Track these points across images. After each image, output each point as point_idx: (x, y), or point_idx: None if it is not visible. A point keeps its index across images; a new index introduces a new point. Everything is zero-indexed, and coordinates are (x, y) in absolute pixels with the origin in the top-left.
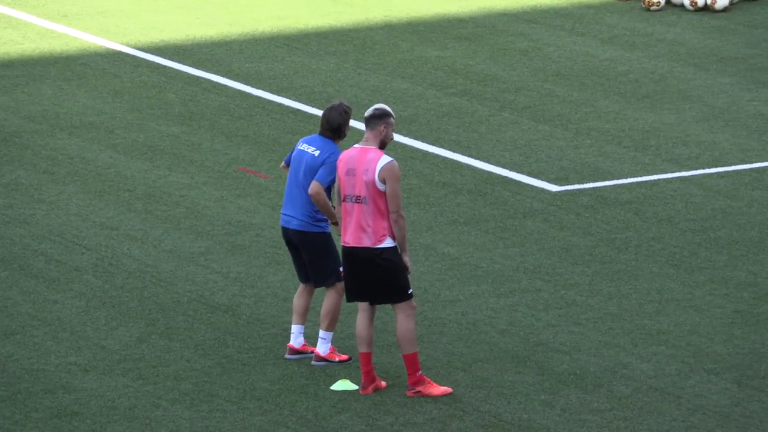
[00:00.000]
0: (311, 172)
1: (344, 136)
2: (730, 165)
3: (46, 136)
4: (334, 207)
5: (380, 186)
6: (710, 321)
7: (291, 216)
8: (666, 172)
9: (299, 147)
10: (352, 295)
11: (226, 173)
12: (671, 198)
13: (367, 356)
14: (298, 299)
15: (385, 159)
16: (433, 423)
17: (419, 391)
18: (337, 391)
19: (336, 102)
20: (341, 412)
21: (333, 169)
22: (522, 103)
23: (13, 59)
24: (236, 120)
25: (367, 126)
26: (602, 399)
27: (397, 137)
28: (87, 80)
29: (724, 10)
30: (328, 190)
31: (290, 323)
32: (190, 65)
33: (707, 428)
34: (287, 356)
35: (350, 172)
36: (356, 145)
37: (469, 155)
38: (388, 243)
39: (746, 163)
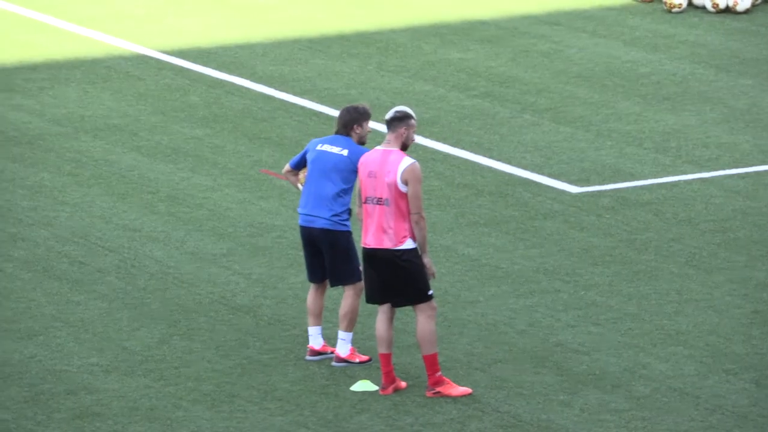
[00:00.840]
0: (339, 173)
1: (359, 136)
2: (751, 166)
3: (71, 138)
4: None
5: (402, 188)
6: (729, 321)
7: (315, 216)
8: (686, 174)
9: (319, 148)
10: (373, 296)
11: (248, 175)
12: (691, 199)
13: (387, 357)
14: (312, 301)
15: (407, 161)
16: (453, 423)
17: (439, 392)
18: (357, 392)
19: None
20: (361, 413)
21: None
22: (543, 104)
23: (38, 62)
24: (259, 122)
25: (388, 128)
26: (621, 399)
27: (419, 139)
28: (111, 83)
29: (746, 12)
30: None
31: None
32: (213, 68)
33: (726, 428)
34: (308, 357)
35: (372, 174)
36: (378, 147)
37: (491, 157)
38: (409, 244)
39: (766, 164)
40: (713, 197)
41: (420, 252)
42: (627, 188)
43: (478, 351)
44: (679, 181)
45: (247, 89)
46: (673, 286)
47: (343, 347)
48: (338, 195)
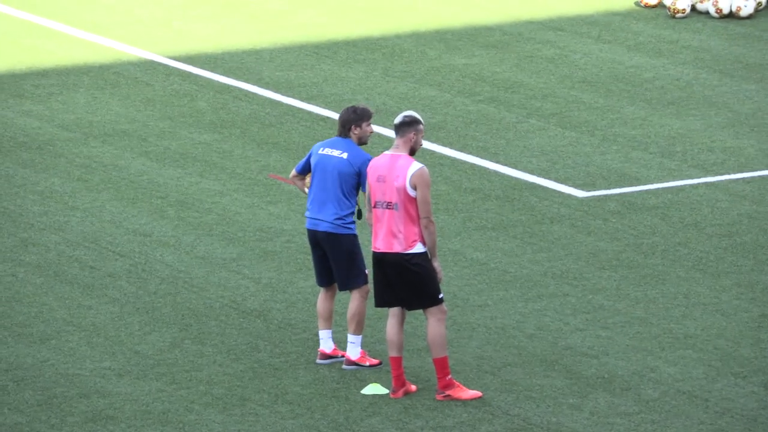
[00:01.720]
0: (340, 176)
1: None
2: (756, 170)
3: (80, 144)
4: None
5: (411, 192)
6: (737, 325)
7: (320, 219)
8: (692, 178)
9: (321, 152)
10: (382, 300)
11: (257, 180)
12: (697, 203)
13: (398, 360)
14: (321, 304)
15: (415, 165)
16: (463, 426)
17: (449, 395)
18: (368, 395)
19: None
20: (372, 416)
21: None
22: (549, 109)
23: (47, 68)
24: (267, 127)
25: (397, 133)
26: (630, 402)
27: (426, 144)
28: (120, 89)
29: (749, 17)
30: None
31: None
32: (221, 74)
33: None
34: (318, 361)
35: (381, 179)
36: (386, 152)
37: (497, 161)
38: (418, 248)
39: None
40: (719, 201)
41: (430, 256)
42: (633, 192)
43: (488, 354)
44: (685, 185)
45: (255, 94)
46: (680, 290)
47: (353, 350)
48: (341, 198)
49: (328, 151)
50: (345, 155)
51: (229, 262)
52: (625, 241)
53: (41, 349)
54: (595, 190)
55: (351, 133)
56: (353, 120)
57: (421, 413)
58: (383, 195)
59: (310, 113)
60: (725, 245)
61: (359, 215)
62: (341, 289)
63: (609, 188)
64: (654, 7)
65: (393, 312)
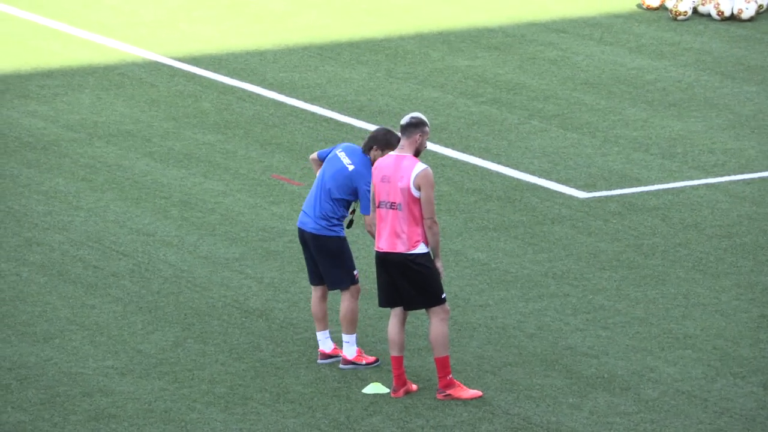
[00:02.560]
0: (336, 182)
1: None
2: (756, 172)
3: (85, 144)
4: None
5: (415, 193)
6: (736, 325)
7: (307, 218)
8: (693, 179)
9: (337, 152)
10: (386, 300)
11: (260, 180)
12: (698, 204)
13: (399, 360)
14: (315, 306)
15: (420, 166)
16: (463, 426)
17: (449, 395)
18: (369, 394)
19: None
20: (373, 415)
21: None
22: (551, 111)
23: (52, 69)
24: (270, 128)
25: (402, 134)
26: (630, 402)
27: (428, 145)
28: (124, 89)
29: (751, 19)
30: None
31: None
32: (224, 75)
33: (733, 431)
34: (320, 360)
35: (385, 179)
36: (391, 153)
37: (499, 162)
38: (421, 249)
39: None
40: (719, 203)
41: (432, 256)
42: (634, 193)
43: (488, 354)
44: (686, 186)
45: (258, 95)
46: (680, 291)
47: (349, 349)
48: (331, 202)
49: (341, 155)
50: (351, 167)
51: (232, 262)
52: (626, 241)
53: (44, 348)
54: (596, 191)
55: (372, 152)
56: (372, 146)
57: (422, 412)
58: (387, 195)
59: (313, 114)
60: (725, 246)
61: (349, 224)
62: (330, 288)
63: (610, 189)
64: (656, 9)
65: (395, 312)
